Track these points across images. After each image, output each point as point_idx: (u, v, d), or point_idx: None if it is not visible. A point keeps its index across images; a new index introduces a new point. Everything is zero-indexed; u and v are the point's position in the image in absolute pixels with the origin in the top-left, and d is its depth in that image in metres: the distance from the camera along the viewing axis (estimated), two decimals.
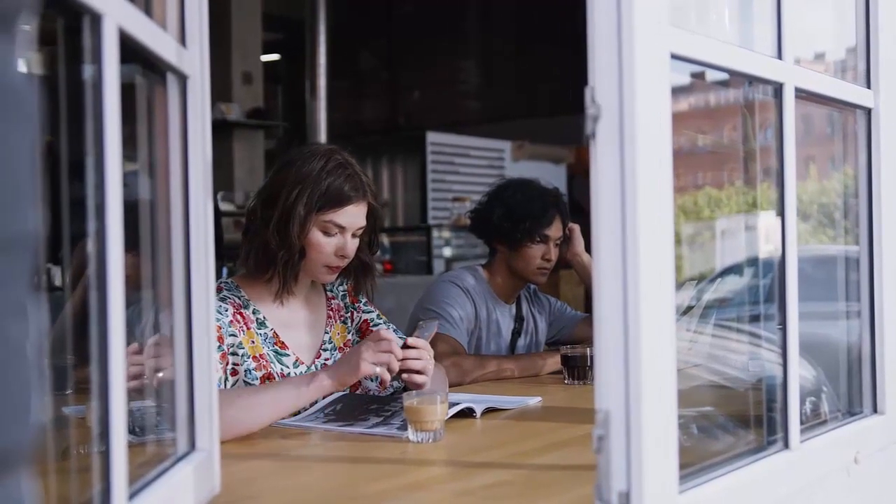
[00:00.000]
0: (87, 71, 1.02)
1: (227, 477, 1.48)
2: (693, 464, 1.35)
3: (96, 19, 1.01)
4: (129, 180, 1.09)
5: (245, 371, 2.16)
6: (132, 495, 1.10)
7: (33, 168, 0.58)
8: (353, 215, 2.25)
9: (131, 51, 1.12)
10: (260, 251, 2.23)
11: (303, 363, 2.28)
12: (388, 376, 2.06)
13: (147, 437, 1.43)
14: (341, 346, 2.39)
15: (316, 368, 2.28)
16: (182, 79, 1.36)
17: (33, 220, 0.57)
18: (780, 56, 1.56)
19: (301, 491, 1.62)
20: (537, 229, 3.02)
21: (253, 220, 2.25)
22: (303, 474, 1.73)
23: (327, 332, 2.37)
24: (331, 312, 2.40)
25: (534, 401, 2.38)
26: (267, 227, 2.20)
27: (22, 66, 0.59)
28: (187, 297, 1.38)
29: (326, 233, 2.23)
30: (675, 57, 1.28)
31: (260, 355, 2.20)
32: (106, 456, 1.02)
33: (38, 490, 0.63)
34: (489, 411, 2.21)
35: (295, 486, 1.66)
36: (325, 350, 2.35)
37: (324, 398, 2.15)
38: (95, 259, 1.01)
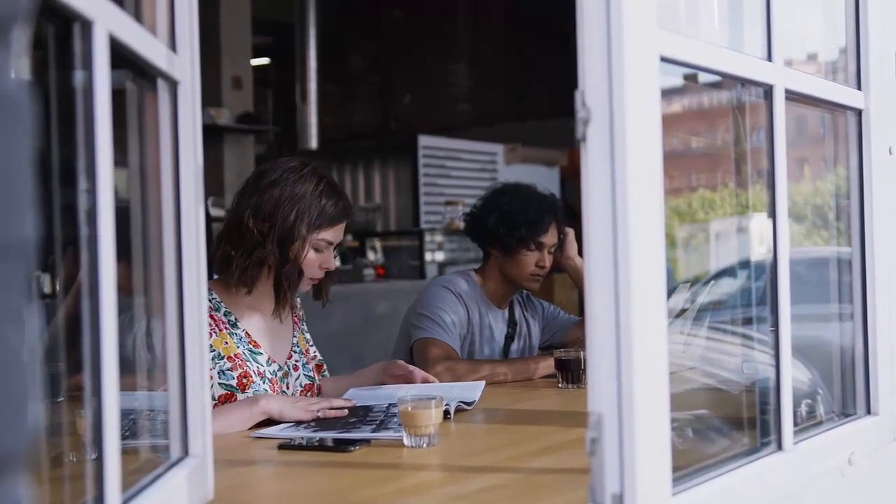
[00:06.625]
0: (78, 77, 1.02)
1: (221, 483, 1.47)
2: (687, 466, 1.35)
3: (87, 25, 1.01)
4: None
5: (219, 373, 2.24)
6: (125, 501, 1.10)
7: (29, 174, 0.58)
8: (341, 232, 2.39)
9: (121, 56, 1.12)
10: (255, 267, 2.29)
11: (275, 362, 2.38)
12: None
13: (138, 442, 1.43)
14: (305, 350, 2.51)
15: (287, 368, 2.42)
16: (173, 84, 1.36)
17: (30, 226, 0.57)
18: (769, 58, 1.56)
19: (295, 497, 1.62)
20: (533, 237, 2.99)
21: (243, 232, 2.28)
22: (296, 480, 1.72)
23: (295, 336, 2.49)
24: (296, 320, 2.53)
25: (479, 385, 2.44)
26: (263, 244, 2.27)
27: (17, 73, 0.59)
28: (179, 304, 1.38)
29: (317, 250, 2.33)
30: (664, 59, 1.28)
31: (235, 355, 2.28)
32: (99, 462, 1.02)
33: (35, 495, 0.63)
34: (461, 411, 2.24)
35: (288, 492, 1.66)
36: (294, 352, 2.47)
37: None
38: (88, 265, 1.00)
